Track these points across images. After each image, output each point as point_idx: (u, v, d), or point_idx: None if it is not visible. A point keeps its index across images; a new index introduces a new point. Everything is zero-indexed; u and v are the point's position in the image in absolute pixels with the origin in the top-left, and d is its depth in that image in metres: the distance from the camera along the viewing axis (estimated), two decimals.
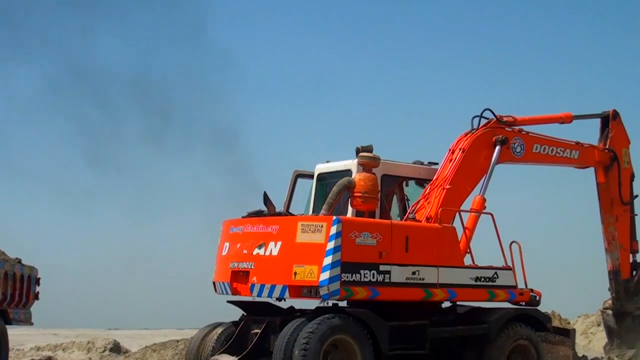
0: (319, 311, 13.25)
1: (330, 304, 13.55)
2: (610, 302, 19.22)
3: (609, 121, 18.36)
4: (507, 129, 16.16)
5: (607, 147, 18.13)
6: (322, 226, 12.78)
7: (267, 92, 52.49)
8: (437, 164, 15.70)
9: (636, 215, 18.89)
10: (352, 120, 50.46)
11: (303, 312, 13.85)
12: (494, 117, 16.04)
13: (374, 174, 13.94)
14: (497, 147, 15.63)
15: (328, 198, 13.64)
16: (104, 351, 20.07)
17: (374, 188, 13.70)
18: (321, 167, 15.50)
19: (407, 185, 15.66)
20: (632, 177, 18.70)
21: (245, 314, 14.44)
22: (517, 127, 16.47)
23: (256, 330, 13.69)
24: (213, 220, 15.55)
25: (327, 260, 12.57)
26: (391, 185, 15.18)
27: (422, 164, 15.75)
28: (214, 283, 14.62)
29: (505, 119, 16.22)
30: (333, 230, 12.67)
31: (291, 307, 14.30)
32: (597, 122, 18.85)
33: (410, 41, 53.96)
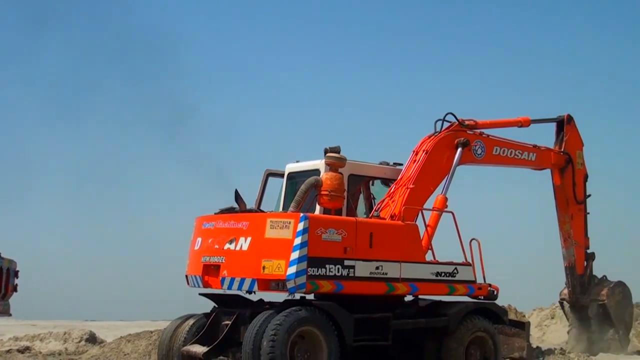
0: (287, 304, 13.74)
1: (297, 297, 14.10)
2: (566, 291, 20.01)
3: (564, 125, 19.06)
4: (468, 132, 16.82)
5: (562, 150, 18.82)
6: (289, 222, 13.33)
7: (239, 94, 52.54)
8: (402, 164, 16.27)
9: (589, 213, 19.63)
10: (322, 122, 50.75)
11: (272, 305, 14.32)
12: (456, 121, 16.68)
13: (340, 173, 14.42)
14: (459, 149, 16.28)
15: (296, 196, 14.14)
16: (79, 341, 20.22)
17: (340, 187, 14.20)
18: (291, 167, 16.01)
19: (373, 184, 16.18)
20: (586, 177, 19.46)
21: (216, 306, 14.91)
22: (478, 130, 17.11)
23: (227, 322, 14.14)
24: (186, 216, 16.05)
25: (294, 255, 13.09)
26: (357, 185, 15.69)
27: (387, 164, 16.28)
28: (186, 276, 15.08)
29: (467, 122, 16.87)
30: (300, 226, 13.20)
31: (260, 300, 14.79)
32: (553, 126, 19.55)
33: (379, 42, 54.13)
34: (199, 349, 14.07)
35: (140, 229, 42.03)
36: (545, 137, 19.35)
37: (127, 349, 17.41)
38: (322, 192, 14.12)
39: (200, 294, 14.98)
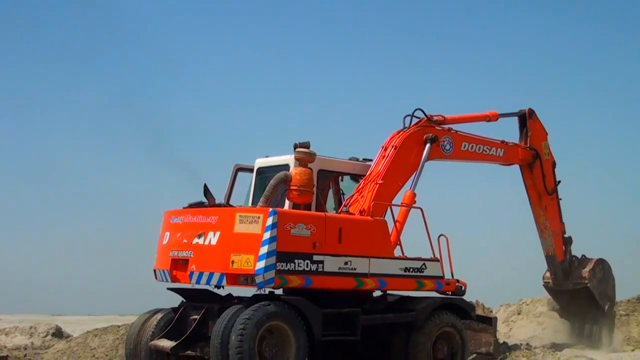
0: (255, 298, 13.74)
1: (266, 292, 14.11)
2: (548, 274, 20.28)
3: (526, 120, 19.22)
4: (437, 127, 16.90)
5: (528, 145, 18.97)
6: (258, 217, 13.33)
7: (210, 88, 52.45)
8: (371, 160, 16.33)
9: (561, 199, 19.86)
10: (293, 117, 50.77)
11: (240, 299, 14.31)
12: (424, 116, 16.75)
13: (310, 168, 14.44)
14: (428, 145, 16.34)
15: (265, 191, 14.14)
16: (46, 336, 20.11)
17: (310, 182, 14.21)
18: (260, 162, 16.02)
19: (342, 180, 16.25)
20: (554, 165, 19.71)
21: (184, 300, 14.89)
22: (447, 126, 17.21)
23: (195, 317, 14.10)
24: (155, 211, 15.99)
25: (263, 249, 13.10)
26: (327, 180, 15.75)
27: (357, 160, 16.34)
28: (154, 271, 15.04)
29: (435, 118, 16.95)
30: (269, 221, 13.21)
31: (229, 295, 14.76)
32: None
33: (348, 36, 54.21)
34: (166, 344, 14.06)
35: (108, 224, 41.90)
36: (515, 131, 19.52)
37: (94, 344, 17.30)
38: (292, 187, 14.12)
39: (168, 289, 14.96)
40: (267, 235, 13.18)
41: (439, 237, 15.68)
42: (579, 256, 20.51)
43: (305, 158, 14.45)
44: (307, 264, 13.60)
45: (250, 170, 16.26)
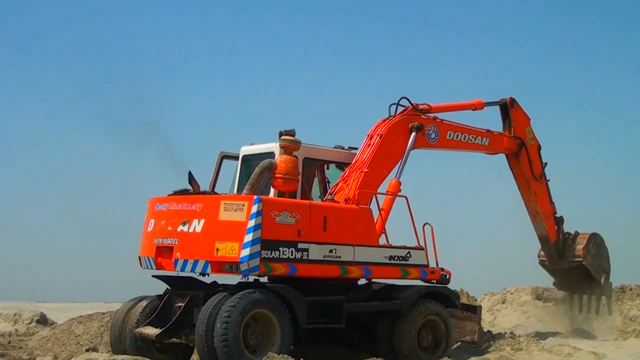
0: (240, 286, 13.78)
1: (251, 279, 14.14)
2: (542, 252, 20.41)
3: (508, 110, 19.20)
4: (422, 116, 16.89)
5: (513, 134, 19.00)
6: (243, 205, 13.31)
7: (195, 74, 52.22)
8: (356, 148, 16.32)
9: (549, 180, 19.90)
10: (279, 105, 50.62)
11: (225, 287, 14.35)
12: (410, 105, 16.73)
13: (295, 156, 14.42)
14: (413, 134, 16.34)
15: (250, 178, 14.09)
16: (30, 323, 20.02)
17: (294, 170, 14.20)
18: (246, 149, 15.98)
19: (327, 168, 16.22)
20: (539, 148, 19.71)
21: (169, 288, 14.87)
22: (432, 115, 17.19)
23: (180, 304, 14.10)
24: (140, 198, 15.94)
25: (248, 237, 13.08)
26: (312, 168, 15.72)
27: (342, 148, 16.33)
28: (139, 258, 15.00)
29: (420, 106, 16.93)
30: (254, 209, 13.18)
31: (214, 282, 14.79)
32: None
33: (338, 24, 53.98)
34: (151, 331, 14.04)
35: (93, 210, 41.78)
36: (499, 120, 19.48)
37: (79, 331, 17.26)
38: (276, 175, 14.10)
39: (153, 276, 14.90)
40: (251, 223, 13.16)
41: (423, 225, 15.71)
42: (572, 232, 20.57)
43: (290, 146, 14.41)
44: (292, 251, 13.60)
45: (236, 157, 16.22)
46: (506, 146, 18.98)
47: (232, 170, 16.26)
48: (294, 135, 14.85)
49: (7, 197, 43.22)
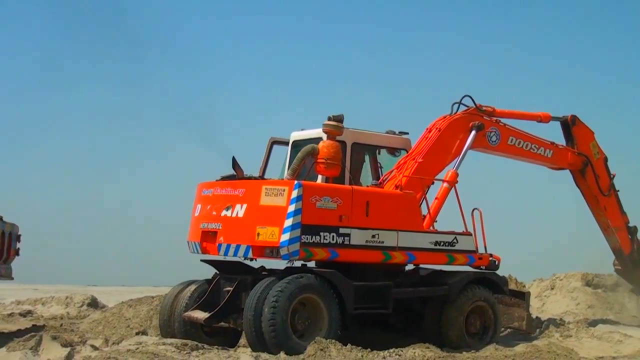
0: (288, 271, 13.87)
1: (298, 264, 14.23)
2: (617, 262, 20.07)
3: (570, 127, 18.67)
4: (485, 117, 16.73)
5: (577, 151, 18.50)
6: (284, 190, 13.41)
7: (244, 62, 52.25)
8: (407, 133, 16.32)
9: (618, 191, 19.36)
10: (331, 91, 50.26)
11: (273, 272, 14.46)
12: (473, 105, 16.65)
13: (338, 141, 14.42)
14: (473, 132, 16.28)
15: (292, 164, 14.19)
16: (81, 306, 20.47)
17: (337, 155, 14.17)
18: (296, 135, 16.04)
19: (379, 153, 16.22)
20: (606, 160, 19.10)
21: (217, 272, 15.05)
22: (495, 118, 17.01)
23: (228, 288, 14.25)
24: (190, 183, 16.16)
25: (288, 222, 13.19)
26: (362, 153, 15.75)
27: (394, 133, 16.27)
28: (187, 242, 15.23)
29: (484, 107, 16.80)
30: (294, 194, 13.27)
31: (262, 267, 14.93)
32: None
33: (394, 13, 53.13)
34: (200, 315, 14.23)
35: (144, 194, 42.43)
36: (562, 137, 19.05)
37: (129, 314, 17.58)
38: (319, 160, 14.13)
39: (202, 260, 15.11)
40: (291, 208, 13.25)
41: (472, 210, 15.66)
42: None
43: (333, 131, 14.42)
44: (333, 236, 13.64)
45: (286, 143, 16.27)
46: (570, 161, 18.51)
47: (282, 156, 16.35)
48: (342, 121, 14.84)
49: (60, 183, 44.10)
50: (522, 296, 16.54)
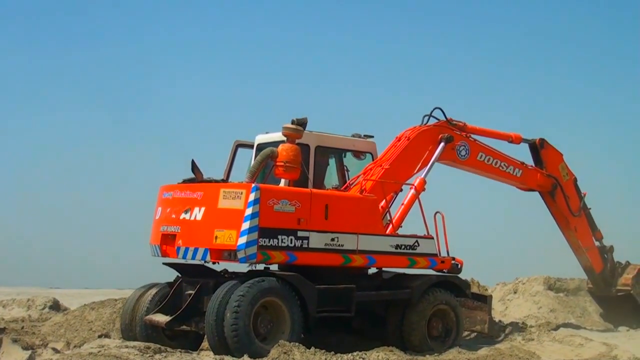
0: (250, 274, 13.88)
1: (261, 267, 14.21)
2: (589, 281, 20.11)
3: (538, 150, 18.67)
4: (455, 131, 16.81)
5: (547, 173, 18.53)
6: (241, 193, 13.40)
7: (206, 64, 52.03)
8: (372, 136, 16.37)
9: (590, 208, 19.37)
10: (295, 93, 50.09)
11: (235, 275, 14.44)
12: (444, 118, 16.75)
13: (301, 144, 14.43)
14: (442, 144, 16.38)
15: (251, 167, 14.18)
16: (43, 308, 20.30)
17: (296, 158, 14.14)
18: (260, 138, 16.04)
19: (345, 156, 16.24)
20: (575, 181, 19.15)
21: (179, 275, 15.03)
22: (466, 133, 17.09)
23: (190, 292, 14.23)
24: (152, 186, 16.12)
25: (245, 225, 13.18)
26: (326, 156, 15.78)
27: (359, 136, 16.30)
28: (150, 246, 15.19)
29: (455, 122, 16.91)
30: (251, 197, 13.27)
31: (224, 270, 14.86)
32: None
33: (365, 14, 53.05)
34: (161, 319, 14.20)
35: (107, 197, 42.30)
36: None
37: (91, 317, 17.47)
38: (278, 163, 14.11)
39: (164, 264, 15.08)
40: (249, 211, 13.24)
41: (435, 214, 15.67)
42: (623, 262, 20.09)
43: (292, 134, 14.39)
44: (291, 239, 13.65)
45: (251, 146, 16.27)
46: (540, 183, 18.51)
47: (247, 159, 16.34)
48: (305, 124, 14.89)
49: (21, 184, 43.92)
50: (484, 299, 16.54)
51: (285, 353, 12.53)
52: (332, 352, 12.98)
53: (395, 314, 15.26)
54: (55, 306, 20.54)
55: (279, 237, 13.52)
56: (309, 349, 12.86)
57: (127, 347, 12.98)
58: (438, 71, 49.55)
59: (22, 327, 17.46)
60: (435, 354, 14.51)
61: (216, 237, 13.46)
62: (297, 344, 12.89)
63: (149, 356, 12.52)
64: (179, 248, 14.11)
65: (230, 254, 13.39)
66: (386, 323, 15.38)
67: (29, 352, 12.47)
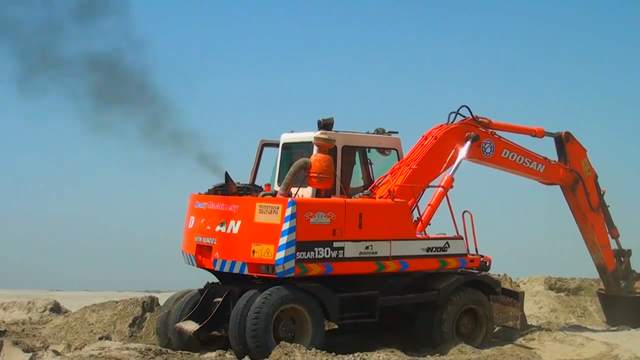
0: (270, 282, 13.93)
1: None
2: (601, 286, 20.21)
3: (564, 144, 18.79)
4: (481, 129, 16.91)
5: (569, 167, 18.64)
6: (277, 208, 13.50)
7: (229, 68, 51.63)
8: (397, 132, 16.41)
9: (609, 206, 19.44)
10: (319, 88, 49.80)
11: (262, 279, 14.31)
12: (470, 116, 16.83)
13: (329, 154, 14.43)
14: (468, 142, 16.47)
15: (285, 178, 14.18)
16: (44, 311, 20.06)
17: (329, 168, 14.23)
18: (286, 137, 16.07)
19: (369, 151, 16.31)
20: (596, 178, 19.20)
21: (208, 282, 15.15)
22: (491, 130, 17.20)
23: (218, 299, 14.40)
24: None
25: (283, 240, 13.32)
26: (352, 155, 15.84)
27: (383, 131, 16.34)
28: (182, 253, 15.40)
29: (480, 119, 16.98)
30: (288, 211, 13.38)
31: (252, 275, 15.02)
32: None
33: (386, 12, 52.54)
34: (191, 326, 14.38)
35: (107, 199, 42.12)
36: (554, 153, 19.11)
37: (92, 319, 17.44)
38: (311, 175, 14.17)
39: (198, 266, 15.13)
40: (286, 226, 13.36)
41: (463, 213, 15.81)
42: (638, 271, 20.03)
43: (324, 144, 14.43)
44: (327, 251, 13.79)
45: (276, 145, 16.29)
46: (561, 177, 18.62)
47: (273, 158, 16.36)
48: (332, 125, 15.05)
49: (24, 188, 43.75)
50: (516, 296, 16.72)
51: (286, 354, 12.71)
52: (333, 353, 13.11)
53: (424, 315, 15.43)
54: (56, 308, 20.24)
55: (316, 249, 13.66)
56: (310, 349, 13.06)
57: (127, 349, 13.04)
58: (458, 64, 49.24)
59: (23, 330, 17.45)
60: (437, 355, 14.64)
61: (254, 252, 13.60)
62: (298, 345, 13.10)
63: (150, 358, 12.62)
64: (215, 260, 14.26)
65: (269, 268, 13.56)
66: (414, 324, 15.54)
67: (30, 354, 12.54)
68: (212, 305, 14.50)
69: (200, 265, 14.81)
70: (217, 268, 14.30)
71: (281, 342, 13.11)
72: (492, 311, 15.89)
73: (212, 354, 13.54)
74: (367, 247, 14.25)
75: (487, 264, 16.13)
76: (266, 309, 13.27)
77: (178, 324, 14.72)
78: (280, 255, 13.33)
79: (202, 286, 15.13)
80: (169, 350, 13.58)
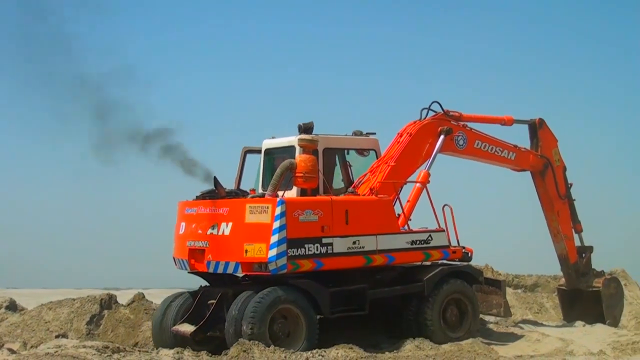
0: (264, 282, 14.46)
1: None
2: (563, 280, 20.70)
3: (537, 130, 19.39)
4: (452, 122, 17.48)
5: (540, 153, 19.25)
6: (267, 207, 14.00)
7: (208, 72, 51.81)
8: (374, 133, 16.91)
9: (574, 200, 20.01)
10: (297, 92, 50.17)
11: (254, 279, 15.01)
12: (441, 110, 17.40)
13: (313, 155, 14.96)
14: (442, 137, 16.99)
15: (272, 179, 14.64)
16: None
17: (314, 168, 14.74)
18: (267, 143, 16.54)
19: (348, 153, 16.77)
20: (564, 169, 19.79)
21: (201, 285, 15.65)
22: (462, 123, 17.78)
23: (212, 301, 14.86)
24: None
25: (274, 238, 13.82)
26: (333, 157, 16.32)
27: (361, 133, 16.84)
28: (174, 259, 15.80)
29: (451, 113, 17.56)
30: (278, 210, 13.88)
31: (244, 276, 15.40)
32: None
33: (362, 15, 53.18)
34: (187, 329, 14.79)
35: (68, 195, 41.98)
36: (524, 137, 19.71)
37: (49, 317, 17.51)
38: (297, 175, 14.63)
39: (189, 272, 15.57)
40: (276, 224, 13.85)
41: (443, 207, 16.37)
42: (600, 270, 20.50)
43: (308, 145, 14.95)
44: (317, 247, 14.29)
45: (258, 151, 16.73)
46: (532, 163, 19.19)
47: (256, 164, 16.80)
48: (312, 129, 15.48)
49: None
50: (498, 284, 17.25)
51: (244, 351, 12.93)
52: (291, 350, 13.41)
53: (410, 306, 15.92)
54: (12, 306, 19.97)
55: (306, 245, 14.15)
56: (269, 347, 13.35)
57: (84, 346, 13.01)
58: (434, 62, 49.84)
59: None
60: (395, 351, 14.93)
61: (246, 251, 14.07)
62: (257, 342, 13.35)
63: (107, 356, 12.67)
64: (209, 262, 14.69)
65: (262, 266, 14.03)
66: (402, 315, 16.03)
67: None
68: (206, 308, 14.92)
69: (193, 269, 15.22)
70: (211, 270, 14.72)
71: (240, 339, 13.47)
72: (476, 300, 16.43)
73: (170, 352, 13.56)
74: (354, 242, 14.77)
75: (469, 255, 16.70)
76: (260, 314, 13.72)
77: (174, 327, 15.10)
78: (273, 252, 13.80)
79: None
80: (127, 348, 13.66)
